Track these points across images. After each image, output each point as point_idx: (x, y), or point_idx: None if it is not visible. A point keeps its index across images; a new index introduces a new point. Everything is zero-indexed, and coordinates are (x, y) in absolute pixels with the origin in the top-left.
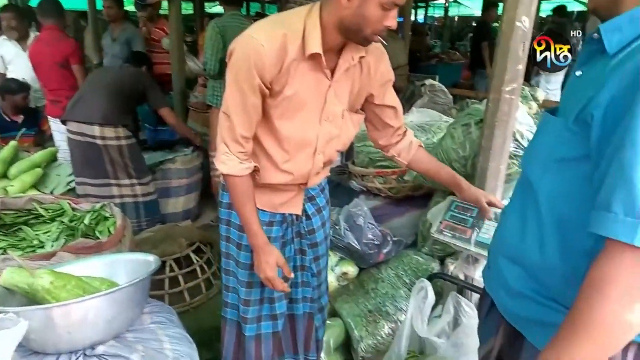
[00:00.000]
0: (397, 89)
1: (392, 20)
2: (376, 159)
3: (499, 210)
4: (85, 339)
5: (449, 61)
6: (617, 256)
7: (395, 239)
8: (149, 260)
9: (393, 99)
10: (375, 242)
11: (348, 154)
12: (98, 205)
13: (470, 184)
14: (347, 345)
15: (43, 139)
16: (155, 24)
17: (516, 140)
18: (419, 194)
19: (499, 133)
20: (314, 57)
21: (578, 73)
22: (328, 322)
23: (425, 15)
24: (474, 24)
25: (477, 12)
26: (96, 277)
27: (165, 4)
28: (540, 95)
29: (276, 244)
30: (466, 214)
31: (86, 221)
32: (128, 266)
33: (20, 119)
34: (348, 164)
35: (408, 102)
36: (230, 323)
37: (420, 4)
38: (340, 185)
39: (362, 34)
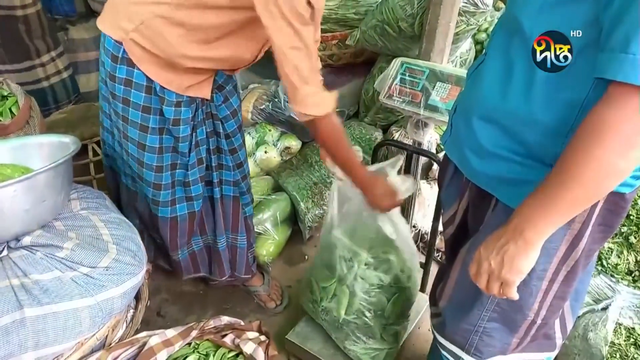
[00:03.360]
0: None
1: None
2: None
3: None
4: (4, 230)
5: None
6: (622, 101)
7: (337, 110)
8: (66, 142)
9: None
10: None
11: None
12: None
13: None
14: (293, 218)
15: None
16: None
17: None
18: (361, 61)
19: None
20: None
21: None
22: (273, 196)
23: None
24: None
25: None
26: (6, 164)
27: None
28: None
29: (186, 127)
30: (417, 77)
31: None
32: (43, 150)
33: None
34: None
35: None
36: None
37: None
38: None
39: None
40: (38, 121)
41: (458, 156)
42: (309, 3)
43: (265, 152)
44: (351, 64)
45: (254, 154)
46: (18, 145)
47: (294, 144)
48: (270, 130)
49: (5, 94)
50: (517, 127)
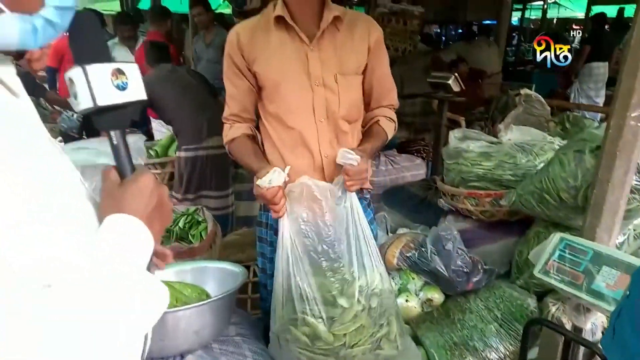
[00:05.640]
0: (490, 98)
1: None
2: (468, 179)
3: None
4: (176, 348)
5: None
6: None
7: (486, 267)
8: (237, 271)
9: (379, 76)
10: (465, 270)
11: (435, 168)
12: (192, 209)
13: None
14: None
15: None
16: None
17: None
18: (515, 219)
19: (621, 164)
20: (281, 23)
21: None
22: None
23: (522, 18)
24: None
25: (579, 14)
26: (188, 284)
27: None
28: None
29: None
30: (579, 256)
31: (180, 224)
32: (217, 274)
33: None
34: (436, 179)
35: (501, 113)
36: None
37: (516, 6)
38: (426, 201)
39: None
40: (219, 244)
41: None
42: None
43: (407, 300)
44: (504, 222)
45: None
46: (200, 268)
47: (437, 296)
48: (413, 279)
49: (200, 219)
50: None
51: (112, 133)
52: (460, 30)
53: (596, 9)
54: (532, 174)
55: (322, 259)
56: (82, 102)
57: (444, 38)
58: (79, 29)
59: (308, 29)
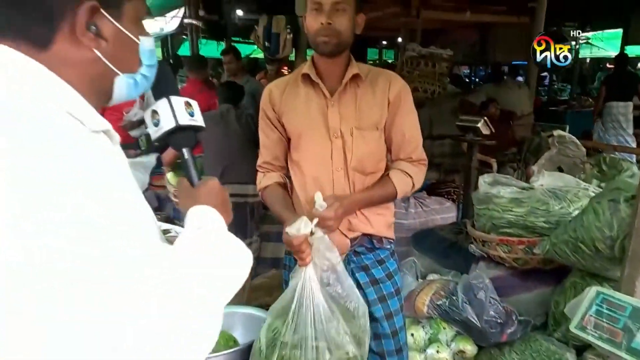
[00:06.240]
0: (522, 140)
1: (322, 17)
2: (500, 225)
3: None
4: None
5: (579, 108)
6: None
7: (521, 318)
8: (264, 317)
9: (398, 129)
10: (498, 320)
11: (465, 210)
12: None
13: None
14: None
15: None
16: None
17: None
18: (550, 268)
19: None
20: (307, 79)
21: None
22: None
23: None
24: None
25: (612, 53)
26: None
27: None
28: None
29: None
30: (617, 312)
31: None
32: (245, 320)
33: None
34: (467, 223)
35: (534, 154)
36: None
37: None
38: (457, 246)
39: (313, 43)
40: (247, 288)
41: None
42: None
43: (437, 351)
44: (539, 270)
45: (425, 350)
46: (228, 313)
47: (469, 348)
48: (444, 329)
49: None
50: None
51: (184, 150)
52: (489, 71)
53: (630, 49)
54: (566, 222)
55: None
56: (165, 125)
57: (473, 79)
58: (159, 75)
59: (332, 85)
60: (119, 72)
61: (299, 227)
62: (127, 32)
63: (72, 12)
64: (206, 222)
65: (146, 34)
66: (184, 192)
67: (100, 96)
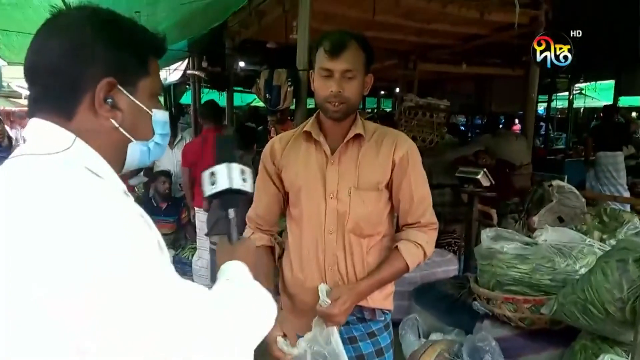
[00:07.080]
0: (521, 189)
1: (332, 85)
2: (504, 282)
3: None
4: None
5: (576, 157)
6: None
7: None
8: None
9: (405, 192)
10: None
11: (467, 263)
12: None
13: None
14: None
15: (179, 226)
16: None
17: None
18: (559, 329)
19: None
20: (309, 137)
21: None
22: None
23: (548, 108)
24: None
25: (606, 103)
26: None
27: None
28: None
29: None
30: None
31: None
32: None
33: (164, 205)
34: (469, 277)
35: (537, 206)
36: None
37: (542, 97)
38: (460, 301)
39: (320, 107)
40: None
41: None
42: None
43: None
44: (547, 330)
45: None
46: None
47: None
48: None
49: None
50: None
51: (230, 210)
52: (486, 120)
53: (624, 100)
54: (573, 281)
55: None
56: (220, 185)
57: (470, 128)
58: (221, 144)
59: (334, 142)
60: (132, 139)
61: (285, 348)
62: (141, 105)
63: (92, 87)
64: (240, 275)
65: (160, 106)
66: (223, 248)
67: (117, 162)
